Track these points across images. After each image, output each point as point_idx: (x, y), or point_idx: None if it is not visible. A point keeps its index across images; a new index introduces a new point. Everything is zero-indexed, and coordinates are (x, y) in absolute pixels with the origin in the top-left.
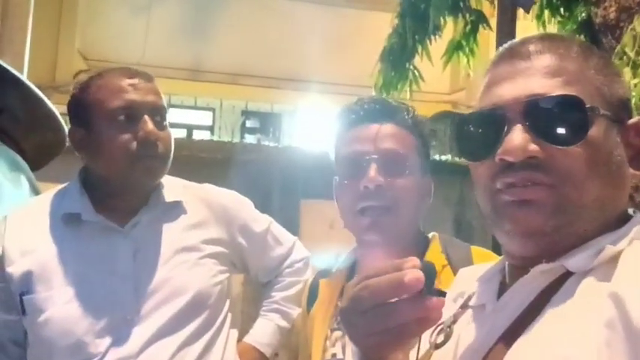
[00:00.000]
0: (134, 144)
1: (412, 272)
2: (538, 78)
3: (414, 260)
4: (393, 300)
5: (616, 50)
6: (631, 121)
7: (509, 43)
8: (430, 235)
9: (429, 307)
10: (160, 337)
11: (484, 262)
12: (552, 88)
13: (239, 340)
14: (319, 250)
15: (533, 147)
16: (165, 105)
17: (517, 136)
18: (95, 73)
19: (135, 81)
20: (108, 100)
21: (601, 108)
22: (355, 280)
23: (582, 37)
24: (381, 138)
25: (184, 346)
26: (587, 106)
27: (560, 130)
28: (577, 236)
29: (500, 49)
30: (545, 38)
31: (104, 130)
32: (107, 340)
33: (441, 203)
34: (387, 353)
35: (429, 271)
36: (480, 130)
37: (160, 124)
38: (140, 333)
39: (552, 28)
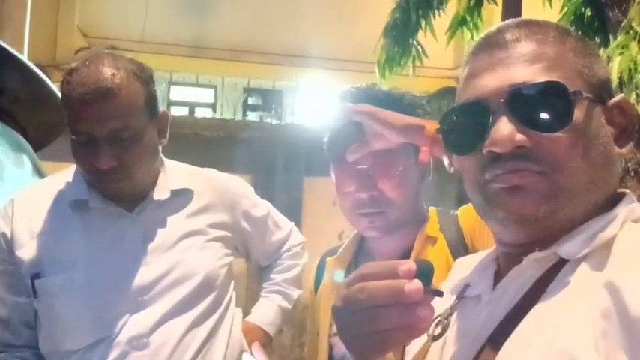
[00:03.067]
0: (90, 171)
1: (413, 283)
2: (518, 66)
3: (410, 263)
4: (385, 304)
5: (622, 24)
6: (612, 100)
7: (486, 32)
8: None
9: (418, 317)
10: (170, 317)
11: (469, 217)
12: (533, 75)
13: (244, 317)
14: (322, 226)
15: (520, 137)
16: (133, 118)
17: (503, 127)
18: (69, 72)
19: (90, 107)
20: (69, 117)
21: (583, 90)
22: (352, 278)
23: (588, 11)
24: None
25: (194, 325)
26: (570, 90)
27: (546, 117)
28: (570, 221)
29: (477, 39)
30: (522, 25)
31: (71, 139)
32: (118, 322)
33: (443, 179)
34: (372, 356)
35: (426, 270)
36: (465, 124)
37: (125, 142)
38: (151, 314)
39: (557, 2)
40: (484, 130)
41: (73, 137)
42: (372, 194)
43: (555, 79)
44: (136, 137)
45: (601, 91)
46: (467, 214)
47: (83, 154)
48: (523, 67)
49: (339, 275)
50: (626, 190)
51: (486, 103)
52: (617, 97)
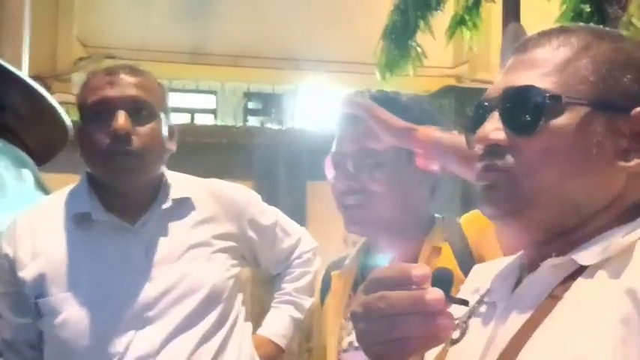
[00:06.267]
0: (106, 140)
1: (434, 292)
2: (521, 71)
3: (424, 268)
4: (405, 313)
5: (622, 20)
6: (636, 110)
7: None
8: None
9: (439, 326)
10: (178, 333)
11: (473, 224)
12: (524, 79)
13: (253, 328)
14: (327, 231)
15: (495, 134)
16: (152, 99)
17: (488, 125)
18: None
19: (113, 77)
20: (86, 98)
21: (579, 97)
22: (367, 284)
23: (587, 7)
24: None
25: (203, 341)
26: (548, 94)
27: (519, 120)
28: (548, 223)
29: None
30: (550, 32)
31: (86, 127)
32: (125, 339)
33: (447, 180)
34: None
35: (446, 278)
36: (474, 119)
37: (141, 119)
38: (158, 331)
39: None
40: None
41: (89, 112)
42: (349, 184)
43: (544, 84)
44: (152, 118)
45: (620, 102)
46: (471, 222)
47: (99, 127)
48: (523, 71)
49: (383, 259)
50: None
51: (488, 101)
52: (638, 109)
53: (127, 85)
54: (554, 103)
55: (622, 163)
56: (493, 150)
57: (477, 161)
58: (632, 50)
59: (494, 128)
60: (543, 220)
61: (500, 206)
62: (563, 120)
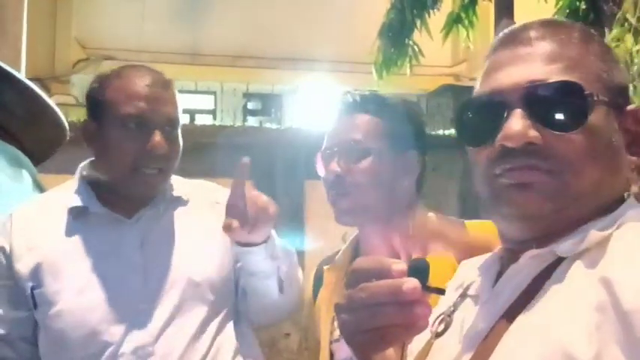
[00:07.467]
0: (138, 154)
1: (410, 281)
2: (538, 64)
3: (401, 264)
4: (384, 302)
5: (617, 17)
6: (629, 107)
7: (510, 28)
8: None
9: (415, 315)
10: (174, 323)
11: (480, 233)
12: (552, 74)
13: (250, 336)
14: (326, 229)
15: (532, 133)
16: (179, 115)
17: (517, 122)
18: (115, 70)
19: (151, 89)
20: (121, 105)
21: (600, 94)
22: (349, 276)
23: (582, 4)
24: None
25: (199, 330)
26: (586, 92)
27: (560, 116)
28: (573, 220)
29: (500, 34)
30: (547, 24)
31: (113, 133)
32: (121, 329)
33: (444, 178)
34: (371, 352)
35: (422, 268)
36: (480, 116)
37: (171, 136)
38: (154, 321)
39: None
40: (498, 123)
41: (121, 123)
42: (336, 175)
43: (573, 79)
44: (178, 134)
45: (618, 97)
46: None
47: (132, 138)
48: (543, 64)
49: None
50: (630, 193)
51: (503, 97)
52: (634, 105)
53: (163, 101)
54: (592, 101)
55: (629, 157)
56: (527, 149)
57: (499, 160)
58: (610, 47)
59: (523, 126)
60: (575, 217)
61: (545, 206)
62: (594, 117)
